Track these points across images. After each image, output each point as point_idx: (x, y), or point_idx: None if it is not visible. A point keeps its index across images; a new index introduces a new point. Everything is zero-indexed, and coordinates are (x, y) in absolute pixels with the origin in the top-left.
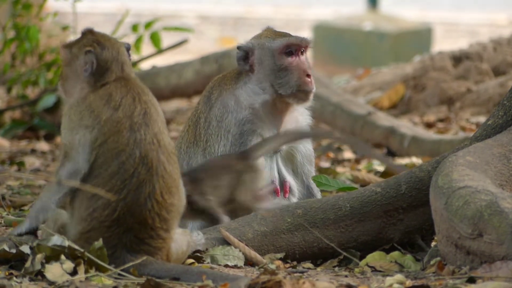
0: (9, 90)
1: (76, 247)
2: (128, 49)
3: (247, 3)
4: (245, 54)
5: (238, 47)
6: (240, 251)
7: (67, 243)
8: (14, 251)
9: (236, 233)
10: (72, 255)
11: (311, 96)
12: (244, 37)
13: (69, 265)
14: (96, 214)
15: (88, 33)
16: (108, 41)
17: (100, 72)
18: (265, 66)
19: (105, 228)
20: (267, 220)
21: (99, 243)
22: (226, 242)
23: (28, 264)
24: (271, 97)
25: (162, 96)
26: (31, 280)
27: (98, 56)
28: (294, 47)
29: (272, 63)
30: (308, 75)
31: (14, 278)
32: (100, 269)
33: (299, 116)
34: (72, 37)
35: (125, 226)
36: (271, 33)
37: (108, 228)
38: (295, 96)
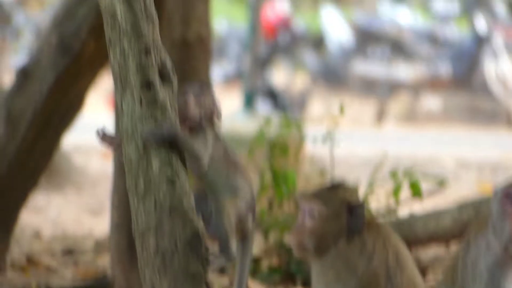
0: (265, 237)
1: None
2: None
3: (503, 149)
4: None
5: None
6: None
7: None
8: None
9: None
10: None
11: None
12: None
13: None
14: None
15: (340, 187)
16: (356, 196)
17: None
18: None
19: None
20: None
21: None
22: None
23: None
24: None
25: (419, 241)
26: None
27: (359, 212)
28: None
29: None
30: None
31: None
32: None
33: None
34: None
35: None
36: None
37: None
38: None
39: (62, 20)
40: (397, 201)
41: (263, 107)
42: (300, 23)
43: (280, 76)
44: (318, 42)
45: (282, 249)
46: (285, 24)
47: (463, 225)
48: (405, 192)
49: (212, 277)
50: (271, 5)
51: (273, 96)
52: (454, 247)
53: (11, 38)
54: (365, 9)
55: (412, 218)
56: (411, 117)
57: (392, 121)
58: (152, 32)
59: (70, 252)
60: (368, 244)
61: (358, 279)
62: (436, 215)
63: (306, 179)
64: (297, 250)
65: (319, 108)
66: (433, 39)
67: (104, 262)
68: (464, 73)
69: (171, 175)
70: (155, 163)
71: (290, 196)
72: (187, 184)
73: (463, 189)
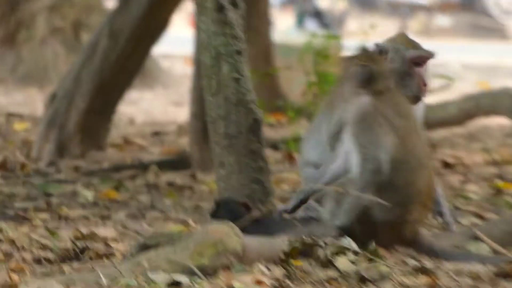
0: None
1: (358, 249)
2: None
3: (498, 56)
4: (379, 51)
5: (376, 44)
6: (488, 246)
7: (353, 244)
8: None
9: (485, 232)
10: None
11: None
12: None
13: (353, 257)
14: (407, 200)
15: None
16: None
17: (371, 82)
18: (393, 67)
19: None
20: (509, 221)
21: (373, 245)
22: (477, 239)
23: (320, 255)
24: None
25: (431, 126)
26: (322, 268)
27: (371, 69)
28: (422, 59)
29: (401, 67)
30: (425, 85)
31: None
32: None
33: None
34: None
35: (420, 207)
36: (405, 40)
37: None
38: (409, 98)
39: None
40: None
41: (311, 24)
42: None
43: (324, 1)
44: None
45: None
46: None
47: (466, 113)
48: None
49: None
50: None
51: (319, 16)
52: (458, 131)
53: None
54: None
55: (426, 107)
56: (427, 32)
57: (411, 36)
58: None
59: (157, 134)
60: (398, 103)
61: (396, 132)
62: (445, 104)
63: None
64: None
65: (354, 25)
66: None
67: (184, 142)
68: None
69: (237, 76)
70: (225, 67)
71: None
72: (249, 82)
73: (466, 86)
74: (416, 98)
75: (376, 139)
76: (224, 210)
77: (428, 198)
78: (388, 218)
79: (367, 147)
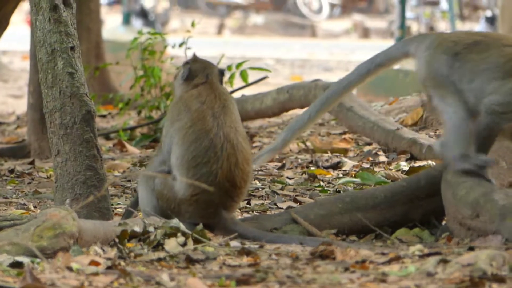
0: (139, 113)
1: (186, 230)
2: (222, 72)
3: (308, 52)
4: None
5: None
6: (305, 228)
7: (181, 225)
8: (141, 230)
9: (302, 215)
10: (183, 233)
11: None
12: (307, 75)
13: (181, 239)
14: (202, 180)
15: (192, 56)
16: (201, 60)
17: (191, 78)
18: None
19: (209, 191)
20: (324, 205)
21: (200, 226)
22: (294, 222)
23: (151, 237)
24: None
25: (248, 117)
26: (153, 250)
27: (191, 67)
28: None
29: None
30: None
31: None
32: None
33: None
34: None
35: (223, 189)
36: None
37: (213, 191)
38: None
39: None
40: (232, 86)
41: (137, 23)
42: None
43: (149, 1)
44: None
45: (151, 120)
46: None
47: (280, 104)
48: (238, 80)
49: (101, 141)
50: None
51: (145, 14)
52: (272, 120)
53: None
54: None
55: (243, 99)
56: (243, 30)
57: (228, 33)
58: None
59: None
60: (202, 94)
61: (191, 114)
62: (261, 96)
63: (167, 73)
64: None
65: (177, 24)
66: None
67: (23, 132)
68: None
69: (71, 71)
70: (60, 63)
71: (156, 85)
72: (82, 76)
73: (280, 80)
74: None
75: (171, 124)
76: None
77: (230, 181)
78: (187, 195)
79: (167, 127)
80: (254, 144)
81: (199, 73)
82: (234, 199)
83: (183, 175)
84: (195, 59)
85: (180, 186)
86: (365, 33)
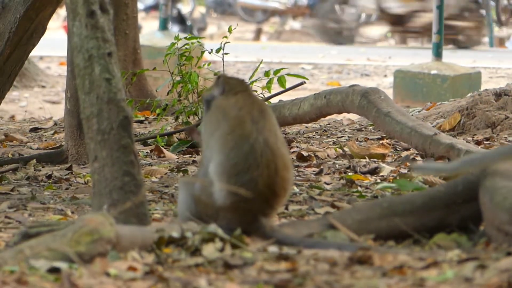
0: (176, 118)
1: (224, 235)
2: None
3: (346, 57)
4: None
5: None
6: (343, 233)
7: (219, 230)
8: (179, 236)
9: (339, 221)
10: (221, 238)
11: None
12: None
13: (219, 244)
14: (242, 188)
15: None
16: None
17: (228, 90)
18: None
19: (250, 199)
20: (362, 211)
21: (238, 231)
22: (332, 227)
23: (189, 243)
24: None
25: (286, 122)
26: (191, 255)
27: (226, 80)
28: None
29: None
30: None
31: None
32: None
33: None
34: None
35: (263, 197)
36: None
37: (252, 199)
38: None
39: None
40: (270, 91)
41: (174, 28)
42: None
43: (186, 7)
44: None
45: (188, 126)
46: None
47: (317, 109)
48: (275, 85)
49: (138, 146)
50: None
51: (182, 20)
52: (310, 125)
53: None
54: None
55: (281, 104)
56: (279, 35)
57: (265, 38)
58: None
59: (36, 130)
60: (239, 100)
61: (230, 121)
62: (298, 102)
63: (204, 78)
64: None
65: (214, 29)
66: None
67: (61, 138)
68: (316, 3)
69: (108, 77)
70: (97, 68)
71: (193, 91)
72: (119, 82)
73: (318, 85)
74: None
75: (210, 135)
76: None
77: (270, 189)
78: (227, 202)
79: (206, 140)
80: (292, 150)
81: (235, 85)
82: (274, 207)
83: (224, 183)
84: (225, 74)
85: (220, 193)
86: (403, 38)
